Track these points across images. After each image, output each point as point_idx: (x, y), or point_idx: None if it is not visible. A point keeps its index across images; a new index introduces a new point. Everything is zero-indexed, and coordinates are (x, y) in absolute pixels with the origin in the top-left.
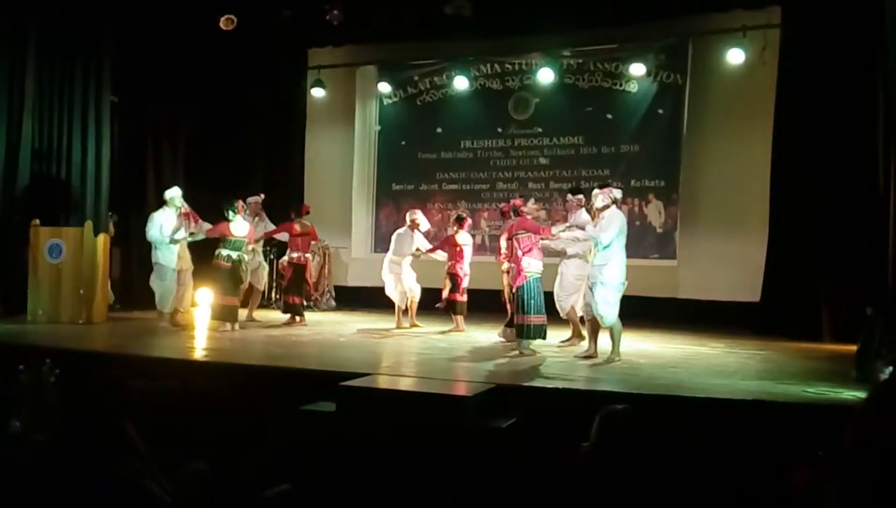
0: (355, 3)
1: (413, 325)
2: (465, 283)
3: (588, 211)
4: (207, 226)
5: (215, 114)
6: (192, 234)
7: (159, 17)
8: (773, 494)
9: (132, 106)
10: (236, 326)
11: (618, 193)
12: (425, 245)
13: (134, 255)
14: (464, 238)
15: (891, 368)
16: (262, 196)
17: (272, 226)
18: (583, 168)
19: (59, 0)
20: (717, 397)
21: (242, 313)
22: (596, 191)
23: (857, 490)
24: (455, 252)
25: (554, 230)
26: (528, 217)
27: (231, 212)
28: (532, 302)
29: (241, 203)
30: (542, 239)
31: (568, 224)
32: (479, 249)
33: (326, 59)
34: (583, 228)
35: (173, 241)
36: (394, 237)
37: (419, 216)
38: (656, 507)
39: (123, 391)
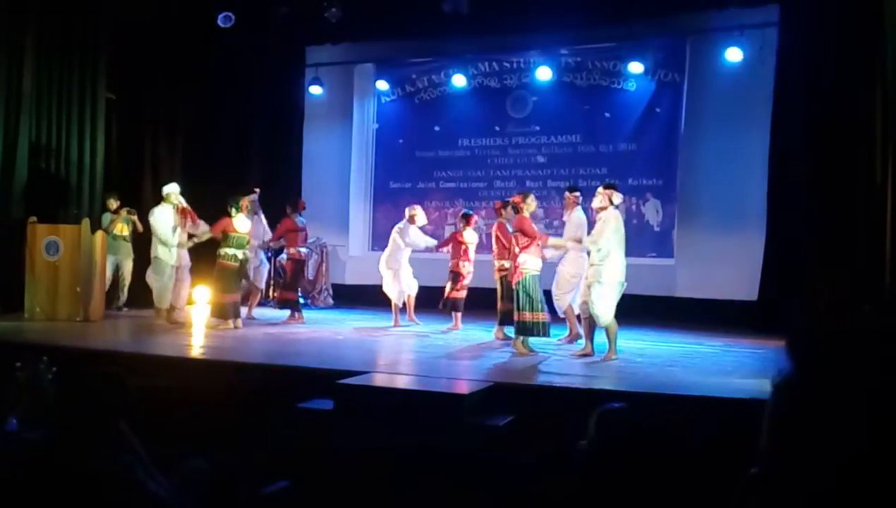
0: (353, 1)
1: (411, 320)
2: (467, 281)
3: (585, 210)
4: (205, 227)
5: (213, 111)
6: (191, 237)
7: (157, 13)
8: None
9: (129, 103)
10: (238, 322)
11: (618, 198)
12: (423, 239)
13: (133, 253)
14: (470, 236)
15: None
16: (258, 191)
17: (265, 223)
18: (580, 166)
19: None
20: (715, 396)
21: (242, 311)
22: (600, 190)
23: (772, 480)
24: (460, 249)
25: (550, 241)
26: (528, 214)
27: (234, 209)
28: (529, 299)
29: (246, 201)
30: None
31: (566, 236)
32: (478, 248)
33: (324, 56)
34: (579, 238)
35: (180, 245)
36: (393, 231)
37: (418, 211)
38: (653, 506)
39: (122, 388)
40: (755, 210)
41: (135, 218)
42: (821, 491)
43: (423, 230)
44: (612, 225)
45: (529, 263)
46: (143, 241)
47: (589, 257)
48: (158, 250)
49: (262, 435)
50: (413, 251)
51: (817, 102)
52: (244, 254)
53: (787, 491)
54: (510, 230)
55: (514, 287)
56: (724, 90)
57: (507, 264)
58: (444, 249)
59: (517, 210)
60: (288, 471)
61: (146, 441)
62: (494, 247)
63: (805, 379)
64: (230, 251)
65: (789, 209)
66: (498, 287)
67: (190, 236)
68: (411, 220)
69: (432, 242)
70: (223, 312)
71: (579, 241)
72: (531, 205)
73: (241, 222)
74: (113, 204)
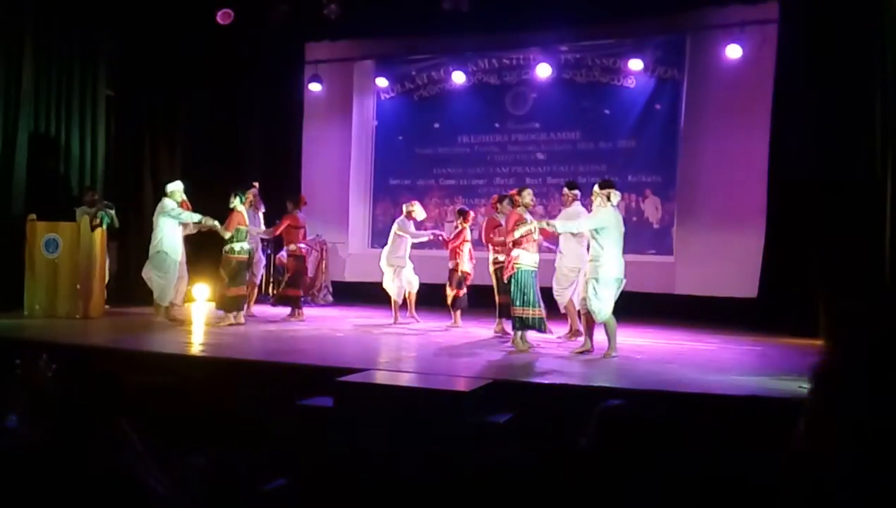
0: None
1: (412, 317)
2: (469, 280)
3: (585, 206)
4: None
5: (212, 108)
6: (197, 222)
7: (156, 11)
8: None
9: (129, 101)
10: (241, 316)
11: (616, 197)
12: (418, 234)
13: (133, 250)
14: (468, 233)
15: None
16: (257, 185)
17: (261, 218)
18: (580, 163)
19: None
20: (714, 393)
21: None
22: (595, 190)
23: (810, 488)
24: (462, 248)
25: (516, 233)
26: (522, 208)
27: (239, 199)
28: (521, 293)
29: (251, 194)
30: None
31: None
32: (475, 244)
33: (324, 53)
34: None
35: (196, 223)
36: (393, 227)
37: (416, 206)
38: (653, 502)
39: (117, 386)
40: (755, 207)
41: (112, 212)
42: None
43: (423, 225)
44: (598, 216)
45: (523, 258)
46: (129, 237)
47: (588, 252)
48: (164, 243)
49: (261, 433)
50: (413, 247)
51: (817, 99)
52: (250, 246)
53: (827, 489)
54: (502, 223)
55: (505, 281)
56: (723, 87)
57: (501, 258)
58: (449, 243)
59: (513, 203)
60: (288, 469)
61: (146, 439)
62: (483, 237)
63: (850, 376)
64: (242, 246)
65: (789, 206)
66: (493, 281)
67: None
68: (409, 216)
69: (429, 235)
70: (231, 305)
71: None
72: (526, 198)
73: (246, 215)
74: (91, 197)
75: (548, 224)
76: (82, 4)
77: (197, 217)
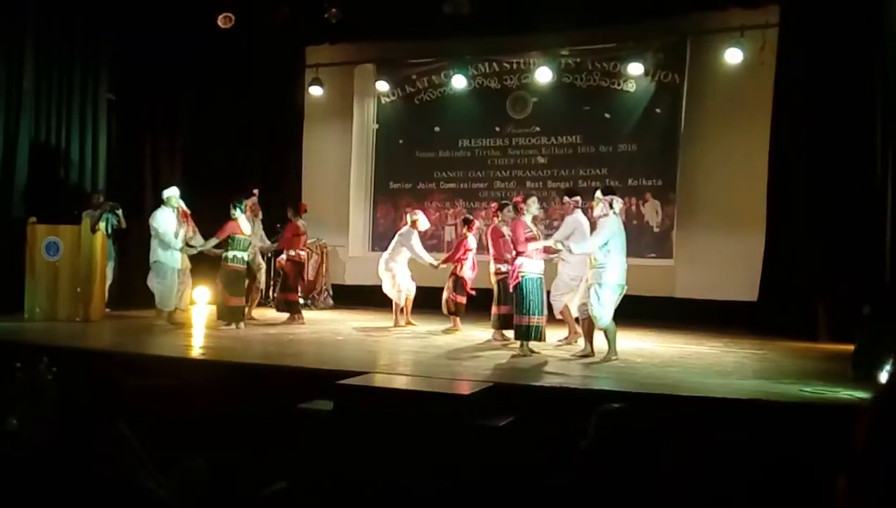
0: (354, 1)
1: (408, 323)
2: (469, 286)
3: (584, 211)
4: (201, 239)
5: (213, 112)
6: (191, 244)
7: (157, 14)
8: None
9: (130, 104)
10: (241, 325)
11: (618, 204)
12: (426, 257)
13: (133, 254)
14: (472, 242)
15: (889, 365)
16: (256, 193)
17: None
18: (580, 167)
19: None
20: (714, 396)
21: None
22: (598, 195)
23: (870, 490)
24: (464, 255)
25: (530, 246)
26: (528, 217)
27: (239, 210)
28: (526, 301)
29: (250, 203)
30: (518, 252)
31: (554, 237)
32: (477, 250)
33: (324, 56)
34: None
35: (188, 247)
36: (396, 236)
37: (420, 216)
38: (652, 505)
39: (117, 389)
40: (755, 210)
41: (119, 213)
42: None
43: (424, 233)
44: (606, 230)
45: (527, 266)
46: (129, 240)
47: (590, 259)
48: (159, 253)
49: (261, 436)
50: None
51: (817, 103)
52: (248, 256)
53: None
54: (506, 233)
55: (511, 290)
56: (724, 91)
57: (503, 268)
58: (453, 262)
59: (517, 210)
60: (287, 472)
61: (146, 442)
62: (491, 249)
63: None
64: (238, 254)
65: (789, 209)
66: (494, 290)
67: (189, 245)
68: (413, 225)
69: (433, 261)
70: (230, 316)
71: (556, 251)
72: (532, 207)
73: (245, 223)
74: (97, 200)
75: (563, 245)
76: (83, 7)
77: (179, 243)
